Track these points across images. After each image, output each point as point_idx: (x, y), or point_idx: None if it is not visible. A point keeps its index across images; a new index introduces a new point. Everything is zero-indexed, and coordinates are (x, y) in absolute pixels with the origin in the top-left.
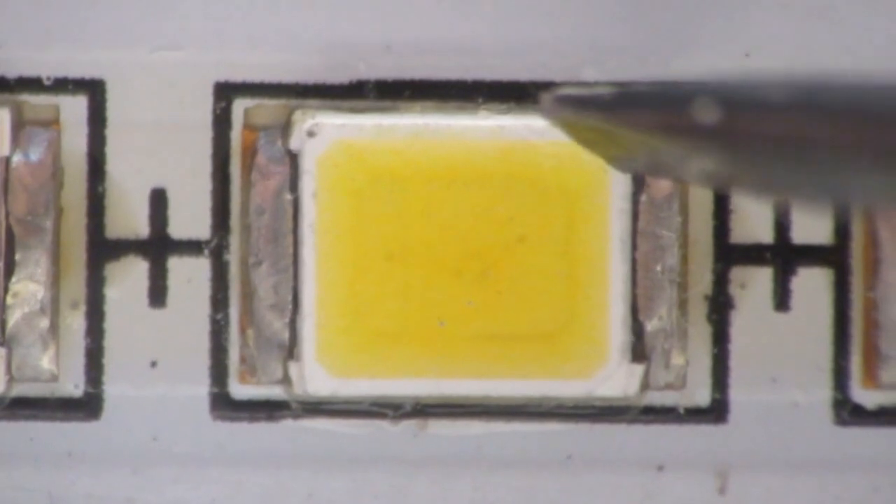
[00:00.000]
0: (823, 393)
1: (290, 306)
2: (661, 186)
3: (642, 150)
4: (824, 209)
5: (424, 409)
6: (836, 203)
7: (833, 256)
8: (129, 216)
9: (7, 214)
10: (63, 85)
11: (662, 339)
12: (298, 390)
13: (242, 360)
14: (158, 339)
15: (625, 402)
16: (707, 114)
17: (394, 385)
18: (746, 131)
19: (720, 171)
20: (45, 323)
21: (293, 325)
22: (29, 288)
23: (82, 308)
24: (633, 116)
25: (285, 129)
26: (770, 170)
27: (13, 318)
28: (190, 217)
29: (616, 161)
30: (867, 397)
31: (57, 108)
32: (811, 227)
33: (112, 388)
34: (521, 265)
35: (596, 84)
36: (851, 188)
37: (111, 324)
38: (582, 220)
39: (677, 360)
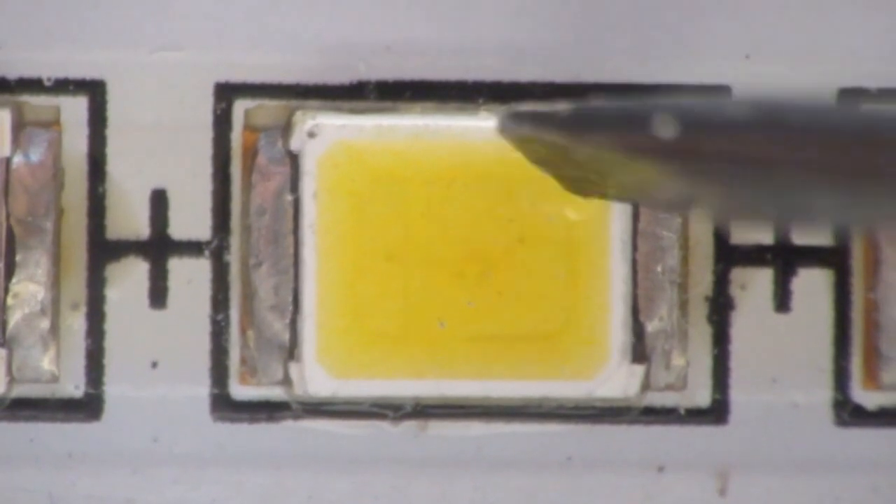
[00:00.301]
0: (824, 394)
1: (290, 307)
2: None
3: (599, 171)
4: (785, 229)
5: (425, 410)
6: (796, 223)
7: (833, 257)
8: (129, 217)
9: (8, 215)
10: (63, 86)
11: (663, 339)
12: (299, 391)
13: (243, 360)
14: (159, 340)
15: (625, 403)
16: (666, 129)
17: (394, 386)
18: (706, 149)
19: (679, 191)
20: (45, 324)
21: (293, 326)
22: (29, 289)
23: (83, 309)
24: (591, 133)
25: (286, 129)
26: (729, 189)
27: (14, 319)
28: (190, 218)
29: (572, 183)
30: (867, 398)
31: (57, 109)
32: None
33: (112, 389)
34: (521, 266)
35: (558, 101)
36: (811, 208)
37: (112, 325)
38: (582, 221)
39: (678, 360)
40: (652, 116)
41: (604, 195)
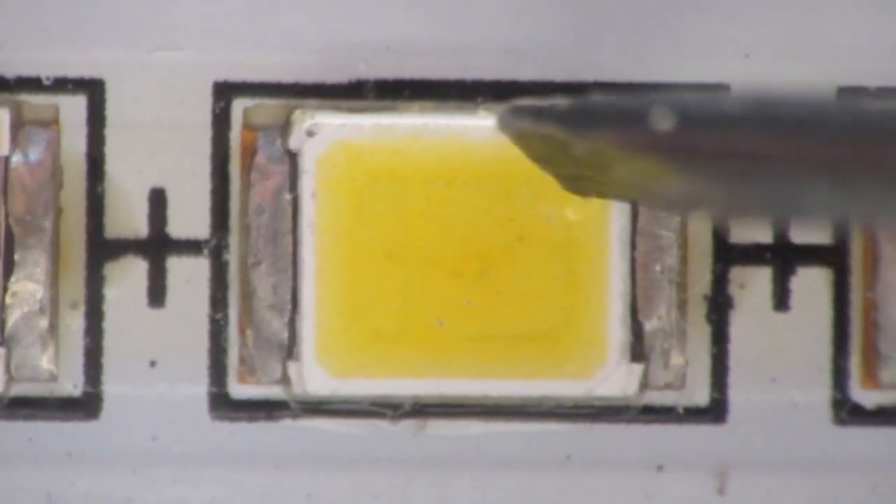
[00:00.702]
0: (823, 393)
1: (289, 306)
2: None
3: (597, 168)
4: (783, 225)
5: (424, 409)
6: (794, 219)
7: (832, 256)
8: (128, 216)
9: (6, 214)
10: (62, 85)
11: (662, 338)
12: (297, 390)
13: (241, 359)
14: (157, 339)
15: (624, 402)
16: (663, 121)
17: (393, 385)
18: (703, 144)
19: (678, 189)
20: (44, 323)
21: (292, 325)
22: (28, 288)
23: (81, 308)
24: (589, 128)
25: (285, 128)
26: (727, 185)
27: (12, 318)
28: (189, 217)
29: (570, 181)
30: (866, 397)
31: (56, 108)
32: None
33: (111, 388)
34: (520, 265)
35: (557, 97)
36: (809, 203)
37: (110, 323)
38: (581, 221)
39: (676, 359)
40: (649, 110)
41: (602, 194)
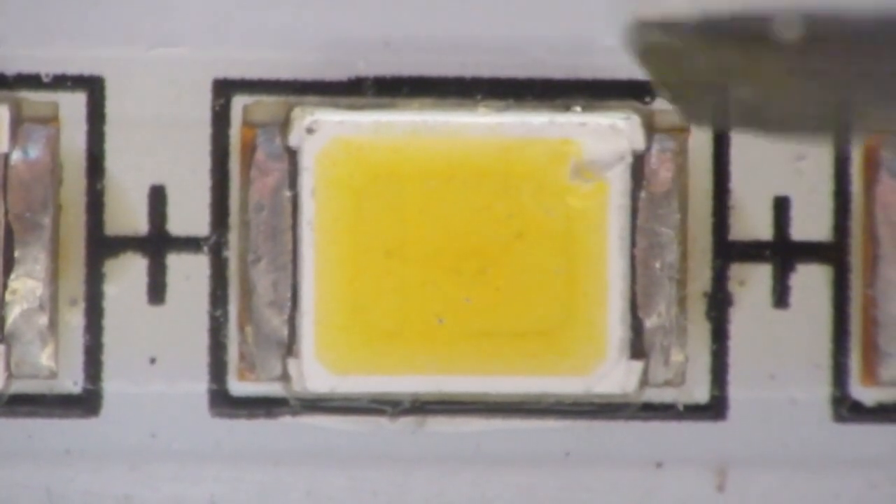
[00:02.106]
0: (822, 390)
1: (288, 303)
2: (661, 182)
3: (719, 87)
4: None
5: (423, 406)
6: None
7: (832, 253)
8: (128, 213)
9: (6, 211)
10: (62, 82)
11: (661, 335)
12: (297, 387)
13: (241, 356)
14: (157, 336)
15: (623, 399)
16: (789, 31)
17: (392, 382)
18: (829, 54)
19: (798, 106)
20: (43, 320)
21: (292, 322)
22: (28, 285)
23: (81, 305)
24: (716, 38)
25: (284, 125)
26: (855, 98)
27: (12, 315)
28: (189, 214)
29: (687, 104)
30: (866, 394)
31: (56, 105)
32: (810, 224)
33: (111, 385)
34: (519, 262)
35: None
36: None
37: (110, 321)
38: (580, 217)
39: (676, 356)
40: (773, 20)
41: (720, 120)
